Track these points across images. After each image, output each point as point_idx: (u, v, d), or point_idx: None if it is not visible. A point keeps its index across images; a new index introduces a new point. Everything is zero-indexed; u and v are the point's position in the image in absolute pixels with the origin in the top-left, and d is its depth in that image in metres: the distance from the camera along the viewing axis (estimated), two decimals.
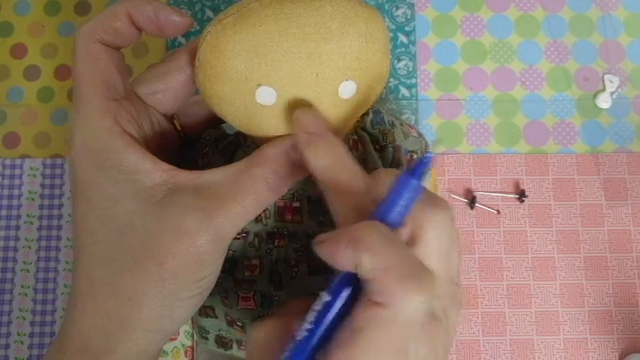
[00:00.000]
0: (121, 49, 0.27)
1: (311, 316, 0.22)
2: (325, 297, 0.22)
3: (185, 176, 0.25)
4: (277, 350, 0.23)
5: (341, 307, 0.21)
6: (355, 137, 0.35)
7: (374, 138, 0.35)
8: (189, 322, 0.40)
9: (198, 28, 0.48)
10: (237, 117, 0.28)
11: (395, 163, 0.35)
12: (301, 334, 0.22)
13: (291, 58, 0.26)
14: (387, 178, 0.22)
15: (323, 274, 0.33)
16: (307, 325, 0.22)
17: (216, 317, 0.35)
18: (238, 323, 0.34)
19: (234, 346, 0.35)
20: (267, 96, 0.26)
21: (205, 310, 0.34)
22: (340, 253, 0.21)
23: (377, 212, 0.22)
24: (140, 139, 0.26)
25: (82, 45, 0.26)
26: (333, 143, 0.24)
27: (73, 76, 0.26)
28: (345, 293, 0.21)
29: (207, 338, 0.36)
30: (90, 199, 0.25)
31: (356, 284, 0.21)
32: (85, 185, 0.25)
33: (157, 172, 0.25)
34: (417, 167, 0.22)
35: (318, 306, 0.22)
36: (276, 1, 0.26)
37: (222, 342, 0.35)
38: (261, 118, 0.27)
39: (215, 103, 0.27)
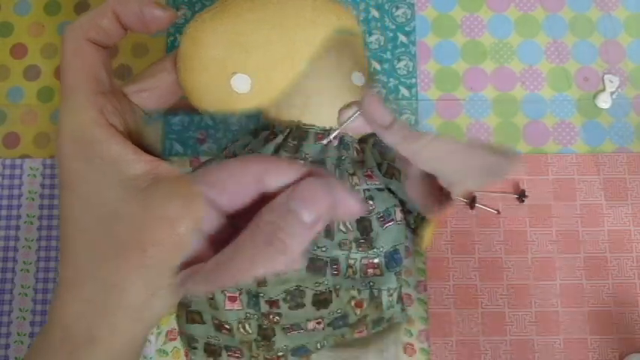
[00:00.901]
0: (107, 48, 0.28)
1: None
2: None
3: (167, 166, 0.26)
4: None
5: None
6: (358, 147, 0.36)
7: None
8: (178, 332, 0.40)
9: None
10: (213, 106, 0.29)
11: (389, 172, 0.37)
12: None
13: (268, 45, 0.28)
14: None
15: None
16: None
17: (204, 323, 0.35)
18: (226, 326, 0.34)
19: (223, 353, 0.35)
20: (242, 83, 0.28)
21: (192, 316, 0.34)
22: None
23: None
24: (124, 131, 0.27)
25: (71, 42, 0.27)
26: None
27: (61, 72, 0.27)
28: None
29: (196, 348, 0.36)
30: (75, 188, 0.26)
31: None
32: (71, 175, 0.26)
33: (140, 162, 0.26)
34: None
35: None
36: None
37: (211, 350, 0.35)
38: (236, 106, 0.29)
39: (194, 96, 0.29)
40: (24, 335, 0.45)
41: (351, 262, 0.34)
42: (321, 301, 0.33)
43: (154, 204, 0.25)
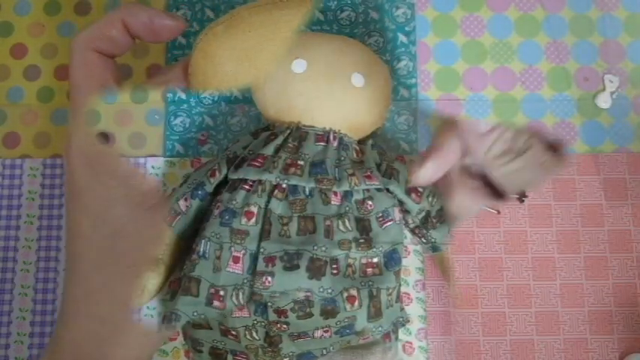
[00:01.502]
0: (115, 57, 0.28)
1: None
2: None
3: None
4: None
5: None
6: (357, 147, 0.37)
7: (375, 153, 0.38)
8: (183, 334, 0.40)
9: (198, 28, 0.48)
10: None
11: (388, 173, 0.37)
12: None
13: (276, 58, 0.27)
14: None
15: (310, 234, 0.33)
16: None
17: (211, 328, 0.35)
18: (233, 332, 0.34)
19: (229, 357, 0.35)
20: None
21: (199, 321, 0.34)
22: None
23: None
24: None
25: (79, 53, 0.26)
26: None
27: (69, 84, 0.26)
28: None
29: (201, 351, 0.36)
30: (84, 204, 0.25)
31: None
32: (80, 191, 0.26)
33: (149, 178, 0.26)
34: None
35: None
36: (265, 8, 0.27)
37: (216, 354, 0.35)
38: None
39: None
40: (24, 335, 0.45)
41: (351, 261, 0.34)
42: (329, 311, 0.33)
43: (163, 221, 0.25)
